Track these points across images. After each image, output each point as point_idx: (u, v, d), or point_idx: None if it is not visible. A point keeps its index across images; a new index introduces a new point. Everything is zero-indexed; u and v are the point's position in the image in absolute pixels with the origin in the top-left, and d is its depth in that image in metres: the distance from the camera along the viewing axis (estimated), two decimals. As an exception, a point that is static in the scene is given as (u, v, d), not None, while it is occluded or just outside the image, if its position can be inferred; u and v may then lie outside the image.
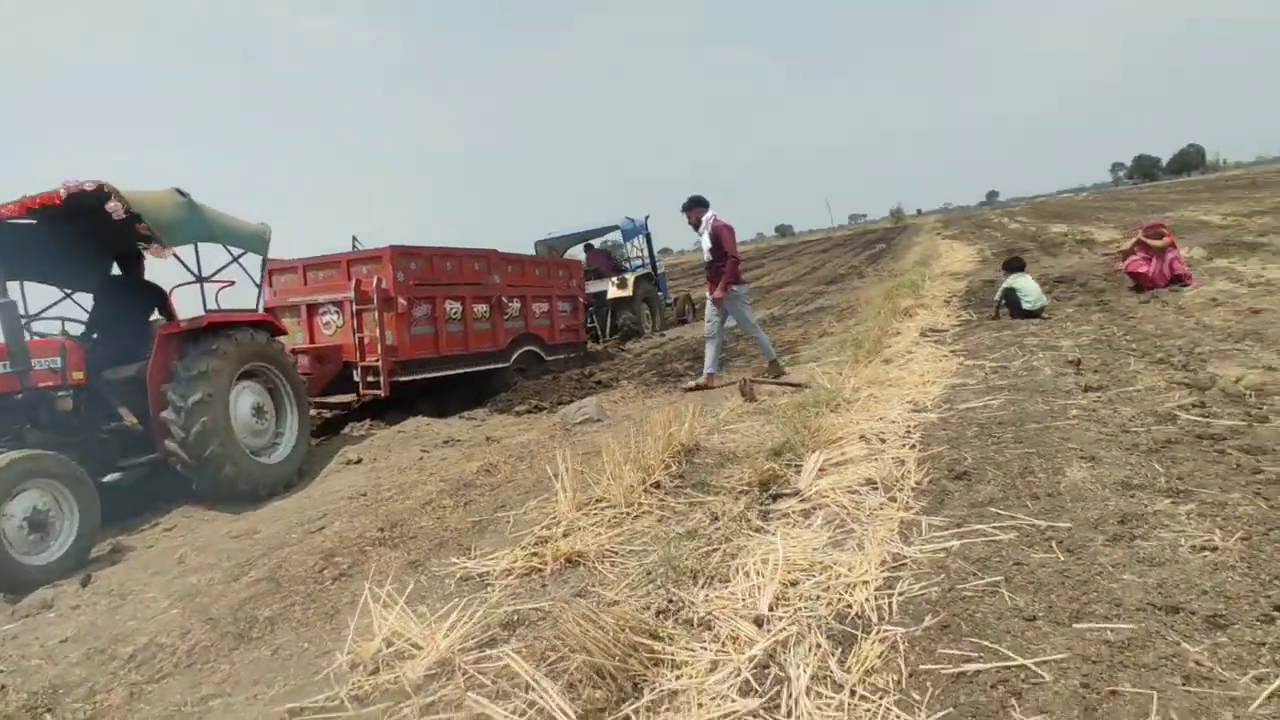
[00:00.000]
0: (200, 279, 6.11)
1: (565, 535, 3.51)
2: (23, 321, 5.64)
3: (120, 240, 5.98)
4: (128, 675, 2.81)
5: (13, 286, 5.66)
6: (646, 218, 15.05)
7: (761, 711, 1.97)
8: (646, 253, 15.36)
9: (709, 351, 7.19)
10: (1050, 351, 5.97)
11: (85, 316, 6.14)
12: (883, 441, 4.26)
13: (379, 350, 7.21)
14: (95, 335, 5.98)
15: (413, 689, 2.34)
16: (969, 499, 3.25)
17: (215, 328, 5.69)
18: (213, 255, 6.11)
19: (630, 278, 13.91)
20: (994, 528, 2.88)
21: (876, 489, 3.53)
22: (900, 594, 2.52)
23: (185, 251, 5.86)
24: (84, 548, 4.46)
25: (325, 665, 2.64)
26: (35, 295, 6.11)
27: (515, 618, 2.76)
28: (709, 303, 7.24)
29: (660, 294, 15.24)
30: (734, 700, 2.03)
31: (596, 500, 3.84)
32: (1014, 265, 8.03)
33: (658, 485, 3.96)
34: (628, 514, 3.67)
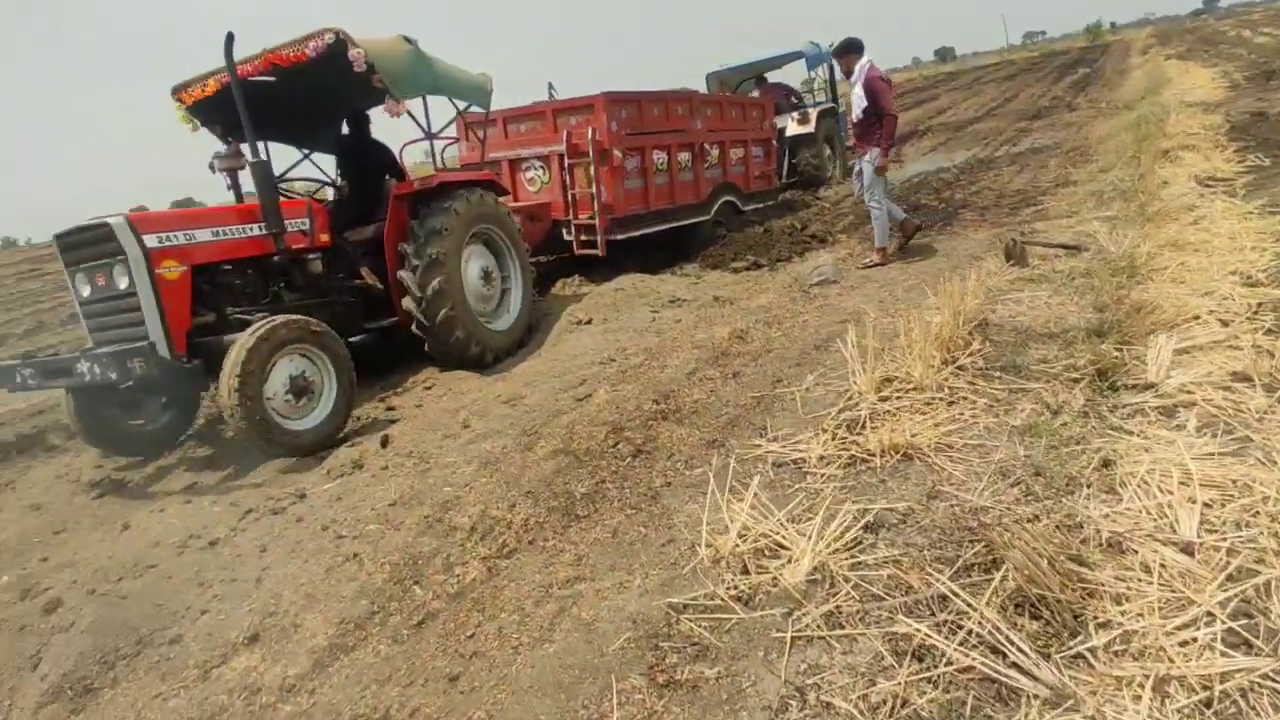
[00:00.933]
0: (429, 135, 6.02)
1: (871, 420, 3.28)
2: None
3: (352, 97, 5.90)
4: (476, 549, 2.91)
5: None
6: (831, 44, 13.57)
7: (1274, 675, 1.70)
8: (829, 86, 14.00)
9: (881, 221, 6.42)
10: None
11: (321, 176, 6.26)
12: (1225, 324, 3.65)
13: (593, 207, 6.99)
14: (335, 196, 6.11)
15: (800, 595, 2.24)
16: (1399, 405, 2.70)
17: (446, 187, 5.61)
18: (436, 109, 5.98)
19: (813, 112, 12.73)
20: None
21: (1253, 386, 3.02)
22: (1370, 528, 2.12)
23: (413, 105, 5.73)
24: (345, 408, 4.59)
25: (677, 555, 2.61)
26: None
27: (870, 519, 2.59)
28: (866, 168, 6.40)
29: (840, 134, 14.00)
30: (1228, 655, 1.77)
31: (894, 380, 3.56)
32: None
33: (961, 368, 3.61)
34: (939, 399, 3.37)
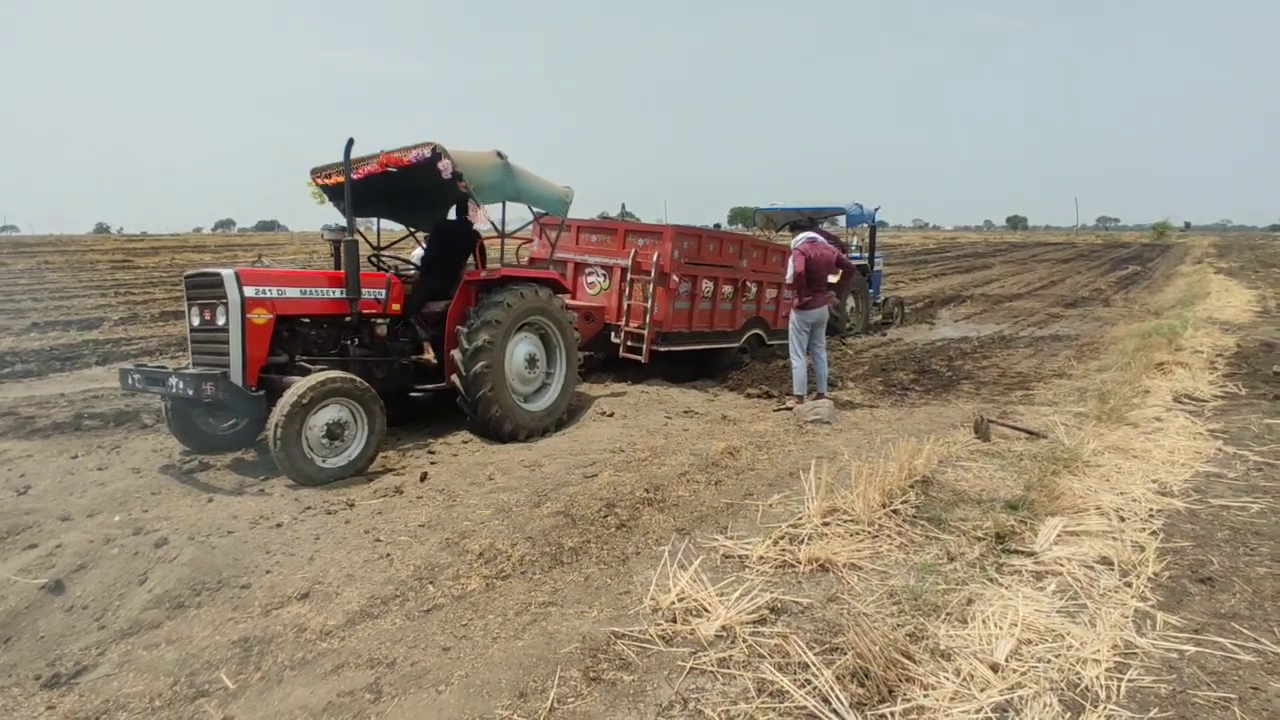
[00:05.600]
0: (502, 234, 7.14)
1: (810, 539, 4.08)
2: (371, 254, 6.87)
3: (449, 194, 7.08)
4: (480, 569, 3.77)
5: (368, 222, 7.00)
6: (876, 209, 14.83)
7: (1001, 748, 2.45)
8: (868, 245, 15.17)
9: (798, 371, 7.49)
10: (1330, 458, 5.59)
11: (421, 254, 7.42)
12: (1122, 520, 4.40)
13: (645, 319, 8.04)
14: (422, 272, 7.22)
15: (706, 643, 3.04)
16: (1210, 607, 3.42)
17: (507, 280, 6.58)
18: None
19: None
20: (1235, 644, 3.08)
21: (1112, 570, 3.76)
22: (1129, 681, 2.84)
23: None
24: (367, 458, 5.30)
25: (629, 603, 3.43)
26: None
27: (778, 605, 3.38)
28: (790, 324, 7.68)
29: (871, 291, 14.97)
30: (978, 731, 2.52)
31: (839, 510, 4.37)
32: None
33: (895, 511, 4.41)
34: (868, 532, 4.17)
